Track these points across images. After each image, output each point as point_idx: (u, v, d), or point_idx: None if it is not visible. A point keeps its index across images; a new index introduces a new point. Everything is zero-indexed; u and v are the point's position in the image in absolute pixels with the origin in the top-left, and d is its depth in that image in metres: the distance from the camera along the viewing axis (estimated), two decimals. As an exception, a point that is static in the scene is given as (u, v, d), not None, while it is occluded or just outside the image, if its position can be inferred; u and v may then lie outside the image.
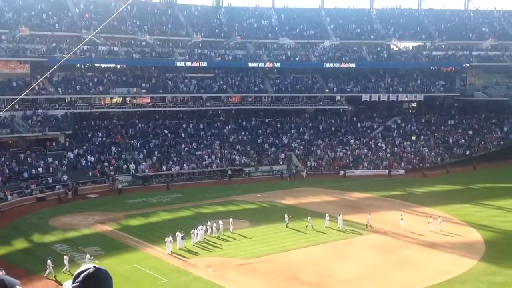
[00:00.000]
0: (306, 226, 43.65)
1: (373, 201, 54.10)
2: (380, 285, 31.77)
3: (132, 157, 68.14)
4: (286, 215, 44.52)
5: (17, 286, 2.72)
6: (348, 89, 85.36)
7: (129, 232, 43.52)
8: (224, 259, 36.77)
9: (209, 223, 42.47)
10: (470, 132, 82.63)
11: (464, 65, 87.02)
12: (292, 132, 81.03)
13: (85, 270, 3.06)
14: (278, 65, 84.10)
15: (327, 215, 44.49)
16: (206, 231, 41.52)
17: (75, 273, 3.11)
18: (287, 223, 44.03)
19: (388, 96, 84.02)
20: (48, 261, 33.71)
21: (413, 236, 41.60)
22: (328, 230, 43.22)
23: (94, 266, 3.09)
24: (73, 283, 3.06)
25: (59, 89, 71.06)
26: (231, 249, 39.07)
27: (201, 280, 33.21)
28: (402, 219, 43.89)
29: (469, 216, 47.45)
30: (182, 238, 39.14)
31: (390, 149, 77.49)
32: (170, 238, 38.18)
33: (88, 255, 35.42)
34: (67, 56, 50.95)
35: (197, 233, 40.53)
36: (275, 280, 33.03)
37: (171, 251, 37.86)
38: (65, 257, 34.57)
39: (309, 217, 44.50)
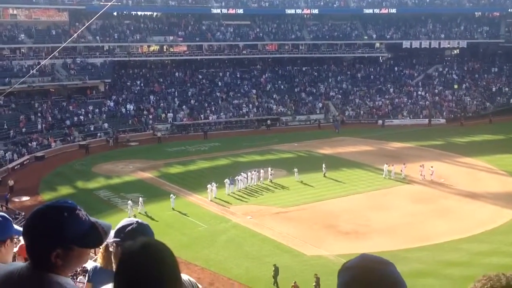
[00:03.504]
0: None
1: (412, 151, 53.40)
2: (419, 234, 31.73)
3: (169, 106, 68.69)
4: (323, 165, 44.53)
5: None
6: (388, 36, 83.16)
7: (169, 180, 44.44)
8: (262, 207, 37.30)
9: (250, 171, 43.01)
10: (515, 80, 79.90)
11: (509, 10, 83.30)
12: (330, 80, 79.90)
13: (128, 225, 3.11)
14: (316, 11, 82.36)
15: (385, 165, 44.01)
16: (249, 179, 42.13)
17: (116, 227, 3.15)
18: (325, 173, 44.11)
19: (430, 43, 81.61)
20: (129, 201, 35.91)
21: (452, 187, 41.16)
22: (367, 180, 43.16)
23: (137, 221, 3.15)
24: (115, 237, 3.11)
25: (98, 37, 71.48)
26: (269, 198, 39.57)
27: (239, 227, 33.91)
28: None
29: (510, 166, 46.45)
30: (230, 183, 39.99)
31: (430, 98, 75.83)
32: (211, 185, 38.93)
33: (141, 199, 36.68)
34: (108, 5, 50.86)
35: (240, 180, 41.28)
36: (312, 228, 33.42)
37: (214, 197, 38.75)
38: (140, 199, 36.61)
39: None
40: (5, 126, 55.37)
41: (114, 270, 2.21)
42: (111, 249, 3.25)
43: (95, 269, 3.92)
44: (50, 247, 2.29)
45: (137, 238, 2.83)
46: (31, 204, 37.68)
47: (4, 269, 2.40)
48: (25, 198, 39.52)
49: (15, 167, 48.27)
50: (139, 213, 35.50)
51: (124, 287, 2.03)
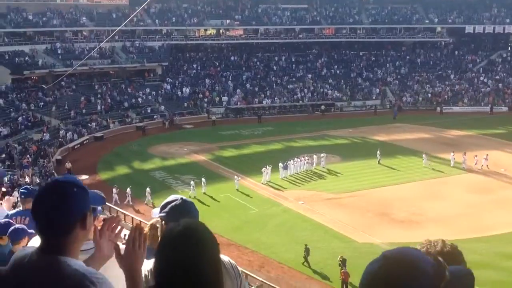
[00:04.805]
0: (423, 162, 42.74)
1: (472, 140, 51.67)
2: (475, 225, 30.75)
3: (225, 90, 69.11)
4: (378, 151, 43.82)
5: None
6: (450, 20, 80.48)
7: (222, 163, 44.83)
8: (314, 193, 37.11)
9: (302, 157, 42.82)
10: None
11: None
12: (388, 65, 78.18)
13: (172, 201, 3.14)
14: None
15: (452, 153, 42.88)
16: (302, 164, 41.98)
17: (162, 203, 3.21)
18: (379, 160, 43.39)
19: (494, 28, 78.41)
20: (191, 182, 36.26)
21: (513, 177, 39.62)
22: (423, 168, 42.17)
23: (181, 198, 3.18)
24: (160, 212, 3.17)
25: (156, 21, 72.59)
26: (322, 183, 39.32)
27: (291, 212, 33.90)
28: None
29: None
30: (284, 168, 40.09)
31: (493, 85, 73.00)
32: (267, 168, 39.21)
33: (203, 180, 37.09)
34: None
35: (292, 165, 41.22)
36: (364, 215, 32.98)
37: (267, 181, 38.91)
38: (203, 179, 36.99)
39: (424, 155, 43.38)
40: (66, 107, 57.27)
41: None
42: (157, 225, 3.27)
43: None
44: (76, 217, 2.34)
45: (179, 214, 2.93)
46: (90, 182, 38.85)
47: (14, 256, 2.41)
48: (84, 177, 40.72)
49: (75, 147, 49.97)
50: (203, 193, 36.04)
51: (164, 268, 2.11)
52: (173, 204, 3.12)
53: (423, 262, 1.88)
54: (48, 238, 2.32)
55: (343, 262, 24.90)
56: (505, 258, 26.64)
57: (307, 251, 26.22)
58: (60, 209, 2.30)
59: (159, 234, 3.28)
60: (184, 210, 3.08)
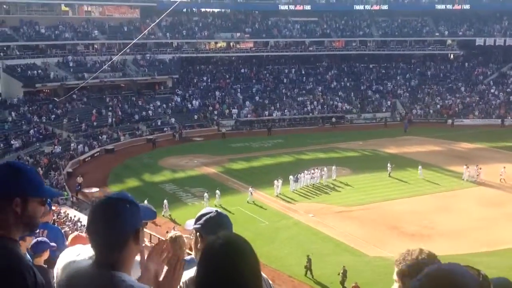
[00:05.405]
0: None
1: (483, 152, 51.40)
2: (487, 238, 30.47)
3: (235, 102, 69.26)
4: (389, 164, 43.64)
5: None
6: (460, 33, 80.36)
7: (233, 175, 44.81)
8: (324, 206, 36.99)
9: (313, 169, 42.77)
10: None
11: None
12: (398, 78, 78.11)
13: (207, 213, 3.19)
14: (385, 7, 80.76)
15: (464, 167, 42.76)
16: (312, 176, 41.94)
17: (197, 215, 3.25)
18: (390, 172, 43.21)
19: (505, 40, 78.16)
20: (205, 194, 36.47)
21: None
22: (435, 181, 41.92)
23: (216, 211, 3.24)
24: (195, 223, 3.21)
25: (167, 34, 73.12)
26: (332, 196, 39.20)
27: (301, 225, 33.77)
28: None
29: None
30: (295, 180, 40.10)
31: (504, 97, 72.63)
32: (278, 181, 39.24)
33: (218, 192, 37.24)
34: (178, 1, 51.93)
35: (303, 177, 41.23)
36: (376, 228, 32.78)
37: (278, 193, 38.98)
38: (217, 191, 37.21)
39: (419, 166, 43.45)
40: (77, 120, 57.59)
41: (197, 260, 2.32)
42: (191, 236, 3.33)
43: None
44: (129, 233, 2.40)
45: (214, 227, 3.03)
46: (100, 195, 38.98)
47: (71, 267, 2.47)
48: (95, 190, 40.93)
49: (86, 159, 50.17)
50: (215, 205, 36.02)
51: (206, 282, 2.11)
52: (208, 216, 3.17)
53: (465, 278, 1.85)
54: (103, 253, 2.37)
55: (344, 273, 24.87)
56: (518, 272, 26.32)
57: (309, 261, 26.25)
58: (114, 226, 2.35)
59: (192, 245, 3.31)
60: (218, 222, 3.14)
